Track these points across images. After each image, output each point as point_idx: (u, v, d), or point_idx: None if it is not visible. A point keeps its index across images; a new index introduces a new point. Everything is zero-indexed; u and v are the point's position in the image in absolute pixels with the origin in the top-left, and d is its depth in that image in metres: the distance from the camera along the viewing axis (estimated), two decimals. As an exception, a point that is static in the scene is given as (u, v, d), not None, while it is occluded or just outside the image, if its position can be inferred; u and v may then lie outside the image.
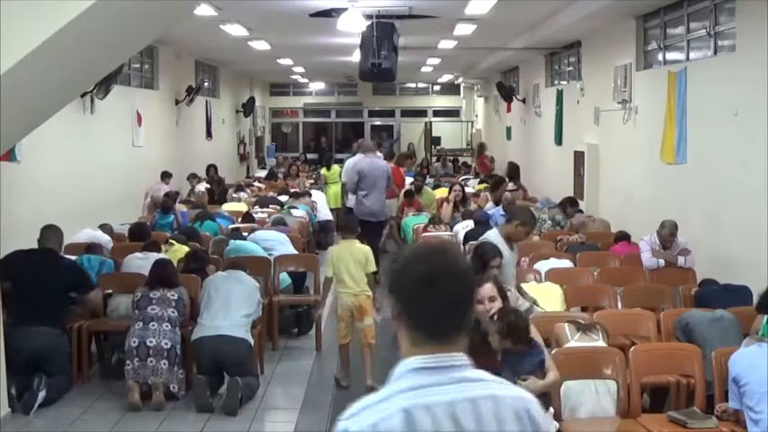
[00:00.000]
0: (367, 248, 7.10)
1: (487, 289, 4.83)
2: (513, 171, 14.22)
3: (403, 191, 13.00)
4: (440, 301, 1.93)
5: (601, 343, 5.26)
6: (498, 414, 1.91)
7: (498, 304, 4.84)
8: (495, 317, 4.56)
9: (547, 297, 6.60)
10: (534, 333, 4.84)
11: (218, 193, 14.19)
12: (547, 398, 4.66)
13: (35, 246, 6.98)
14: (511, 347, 4.49)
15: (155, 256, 7.59)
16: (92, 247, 8.02)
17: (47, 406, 6.39)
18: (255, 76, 24.40)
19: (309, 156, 24.86)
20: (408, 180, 14.30)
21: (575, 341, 5.22)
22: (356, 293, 6.86)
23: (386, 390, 1.93)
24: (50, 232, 6.96)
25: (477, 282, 4.91)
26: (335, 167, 15.52)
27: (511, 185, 13.65)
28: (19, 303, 6.52)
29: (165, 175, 13.43)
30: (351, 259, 6.92)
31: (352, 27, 10.26)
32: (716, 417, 4.76)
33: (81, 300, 7.03)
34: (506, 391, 1.97)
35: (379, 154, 12.86)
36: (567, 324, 5.35)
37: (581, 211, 11.32)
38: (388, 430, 1.83)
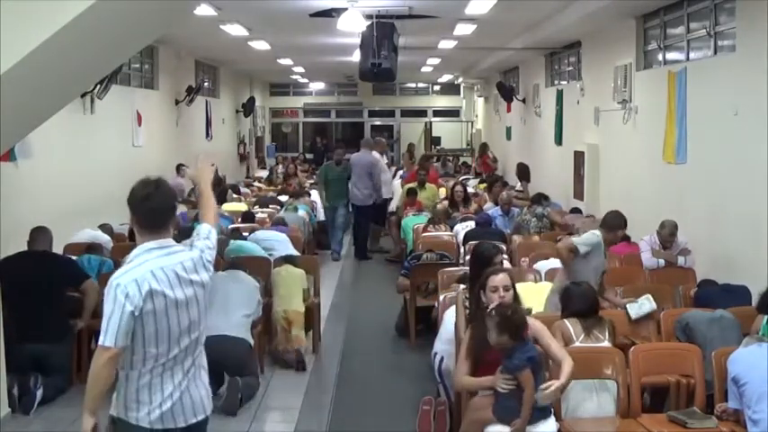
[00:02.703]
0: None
1: (502, 278, 4.93)
2: (522, 172, 13.89)
3: (406, 187, 13.03)
4: (152, 209, 3.48)
5: (606, 344, 5.23)
6: (194, 266, 3.54)
7: (511, 294, 4.85)
8: (494, 312, 4.56)
9: (546, 297, 6.58)
10: (541, 330, 4.82)
11: (218, 193, 14.19)
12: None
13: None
14: (506, 342, 4.49)
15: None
16: (92, 247, 8.01)
17: (46, 404, 6.39)
18: (255, 76, 24.38)
19: (308, 156, 24.86)
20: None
21: (579, 342, 5.19)
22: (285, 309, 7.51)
23: (136, 261, 3.41)
24: (40, 234, 6.94)
25: (493, 272, 5.03)
26: (337, 166, 15.52)
27: (519, 186, 13.61)
28: (19, 306, 6.47)
29: (180, 167, 13.72)
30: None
31: (352, 27, 10.26)
32: (716, 417, 4.76)
33: (81, 292, 6.90)
34: (195, 252, 3.58)
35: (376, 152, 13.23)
36: (568, 321, 5.31)
37: (580, 212, 11.34)
38: (143, 280, 3.35)
